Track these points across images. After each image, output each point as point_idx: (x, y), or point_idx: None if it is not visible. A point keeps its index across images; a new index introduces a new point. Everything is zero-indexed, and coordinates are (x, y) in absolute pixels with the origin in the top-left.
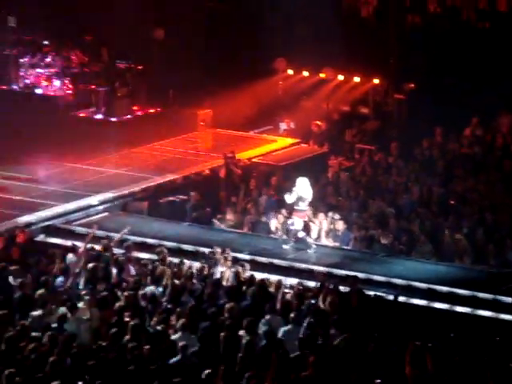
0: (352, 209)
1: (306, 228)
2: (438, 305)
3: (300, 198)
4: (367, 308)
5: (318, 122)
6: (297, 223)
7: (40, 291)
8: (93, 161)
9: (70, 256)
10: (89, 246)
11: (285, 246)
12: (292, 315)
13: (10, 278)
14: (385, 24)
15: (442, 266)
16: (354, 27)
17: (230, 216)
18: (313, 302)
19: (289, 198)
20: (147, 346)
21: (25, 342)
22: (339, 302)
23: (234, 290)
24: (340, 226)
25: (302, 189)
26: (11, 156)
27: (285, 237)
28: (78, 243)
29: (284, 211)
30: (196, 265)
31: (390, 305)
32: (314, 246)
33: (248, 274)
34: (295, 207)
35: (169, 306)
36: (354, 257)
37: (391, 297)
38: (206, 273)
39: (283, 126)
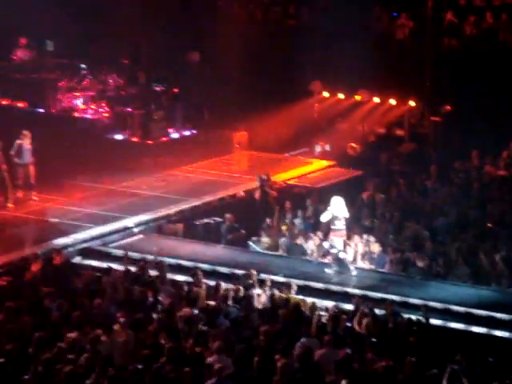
0: (387, 231)
1: (345, 247)
2: (475, 328)
3: (336, 217)
4: (403, 331)
5: (354, 145)
6: (335, 243)
7: (76, 313)
8: (128, 183)
9: (107, 278)
10: (124, 267)
11: (327, 271)
12: (327, 338)
13: (46, 301)
14: (421, 46)
15: (480, 290)
16: (390, 49)
17: (265, 238)
18: (348, 324)
19: (323, 217)
20: (183, 369)
21: (61, 365)
22: (374, 325)
23: (268, 312)
24: (375, 248)
25: (337, 207)
26: (49, 179)
27: (320, 259)
28: (114, 265)
29: (319, 233)
30: (231, 287)
31: (427, 328)
32: (353, 269)
33: (284, 296)
34: (332, 227)
35: (204, 329)
36: (390, 279)
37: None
38: (241, 295)
39: (318, 148)
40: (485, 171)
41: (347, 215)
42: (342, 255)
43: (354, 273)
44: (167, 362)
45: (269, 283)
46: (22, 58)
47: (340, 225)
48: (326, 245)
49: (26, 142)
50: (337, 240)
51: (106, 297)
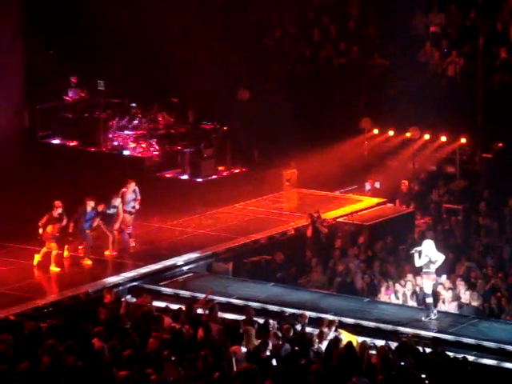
0: (440, 269)
1: (435, 292)
2: None
3: (431, 261)
4: (454, 371)
5: (406, 181)
6: (426, 286)
7: (127, 352)
8: (178, 221)
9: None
10: (176, 307)
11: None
12: (380, 377)
13: (96, 340)
14: (472, 83)
15: None
16: (441, 86)
17: (315, 276)
18: (402, 363)
19: (420, 262)
20: None
21: None
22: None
23: (324, 351)
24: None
25: (430, 251)
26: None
27: (372, 298)
28: (164, 303)
29: (370, 272)
30: (281, 326)
31: (479, 368)
32: (435, 312)
33: (333, 334)
34: (425, 270)
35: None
36: (442, 318)
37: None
38: (291, 333)
39: (368, 185)
40: None
41: (442, 259)
42: (428, 300)
43: (435, 317)
44: None
45: (326, 323)
46: (73, 97)
47: (433, 268)
48: (420, 285)
49: (129, 190)
50: (428, 283)
51: (156, 335)
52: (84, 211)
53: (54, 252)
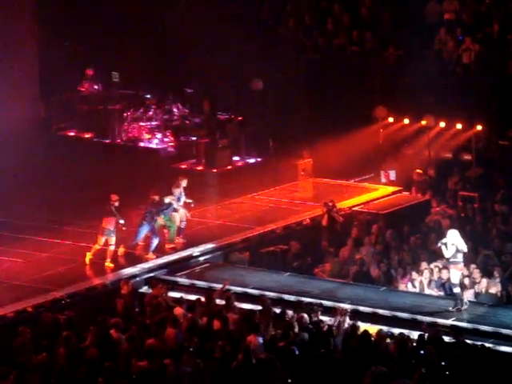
0: None
1: (463, 282)
2: None
3: (457, 250)
4: (472, 359)
5: (419, 170)
6: (453, 276)
7: (149, 341)
8: (194, 212)
9: (177, 309)
10: (194, 297)
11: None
12: (396, 366)
13: (113, 331)
14: (487, 70)
15: None
16: (456, 74)
17: (331, 265)
18: (422, 352)
19: (448, 253)
20: None
21: None
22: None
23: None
24: (444, 274)
25: (456, 240)
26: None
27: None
28: (182, 294)
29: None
30: (296, 315)
31: (497, 356)
32: (466, 302)
33: (350, 323)
34: (452, 259)
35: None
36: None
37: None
38: (307, 322)
39: (384, 174)
40: None
41: (465, 248)
42: (456, 290)
43: (466, 307)
44: None
45: (340, 312)
46: (88, 89)
47: (460, 257)
48: (446, 275)
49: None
50: (456, 273)
51: (175, 326)
52: (160, 206)
53: (97, 246)
